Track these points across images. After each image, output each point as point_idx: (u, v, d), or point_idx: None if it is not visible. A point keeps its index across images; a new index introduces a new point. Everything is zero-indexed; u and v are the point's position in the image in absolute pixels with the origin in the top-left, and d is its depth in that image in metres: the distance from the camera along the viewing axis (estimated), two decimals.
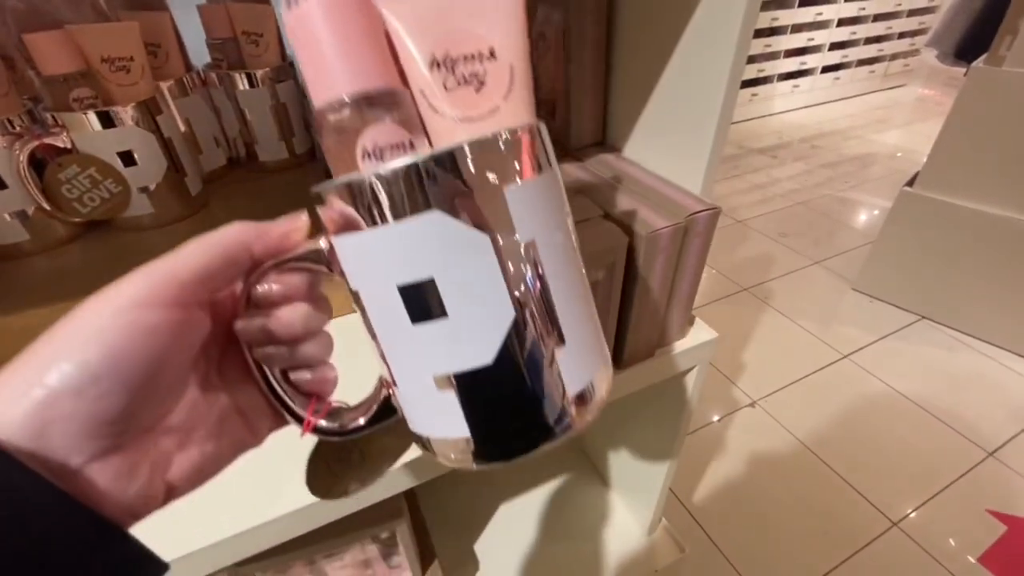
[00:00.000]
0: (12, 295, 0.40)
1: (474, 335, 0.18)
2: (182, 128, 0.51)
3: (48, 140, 0.41)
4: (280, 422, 0.22)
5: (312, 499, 0.33)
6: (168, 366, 0.17)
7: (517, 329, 0.18)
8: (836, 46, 2.75)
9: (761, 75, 2.60)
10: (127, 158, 0.44)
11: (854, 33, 2.73)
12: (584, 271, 0.21)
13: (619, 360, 0.42)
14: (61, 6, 0.42)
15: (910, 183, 1.34)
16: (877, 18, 2.75)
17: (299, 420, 0.21)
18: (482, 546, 0.68)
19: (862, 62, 2.89)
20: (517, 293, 0.18)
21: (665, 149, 0.43)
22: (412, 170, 0.16)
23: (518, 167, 0.17)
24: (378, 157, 0.19)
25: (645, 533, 0.69)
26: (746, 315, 1.43)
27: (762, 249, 1.75)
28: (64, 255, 0.45)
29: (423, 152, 0.16)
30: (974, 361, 1.30)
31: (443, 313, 0.17)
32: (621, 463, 0.70)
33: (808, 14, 2.51)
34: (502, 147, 0.17)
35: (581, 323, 0.20)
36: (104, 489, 0.16)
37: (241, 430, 0.21)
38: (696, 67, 0.37)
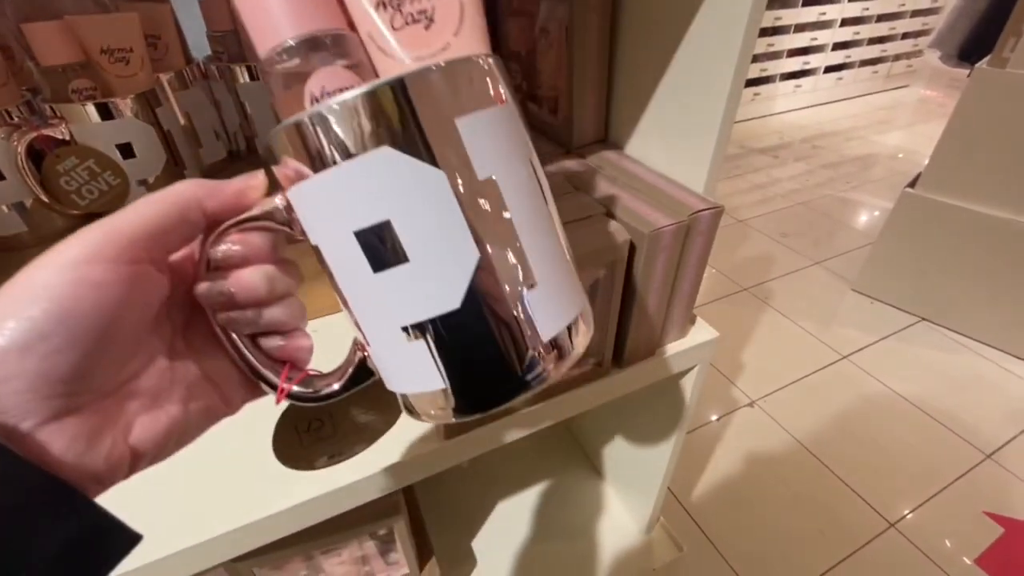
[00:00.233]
0: None
1: (438, 279, 0.17)
2: (182, 121, 0.50)
3: (46, 131, 0.40)
4: (255, 391, 0.22)
5: (310, 495, 0.33)
6: (121, 324, 0.17)
7: (483, 270, 0.17)
8: (839, 46, 2.74)
9: (763, 74, 2.59)
10: (126, 150, 0.44)
11: (857, 33, 2.72)
12: (555, 213, 0.20)
13: (620, 359, 0.42)
14: None
15: (912, 184, 1.34)
16: (881, 18, 2.74)
17: (272, 387, 0.21)
18: (480, 543, 0.68)
19: (865, 62, 2.89)
20: (480, 233, 0.17)
21: (668, 147, 0.42)
22: (355, 103, 0.15)
23: (470, 98, 0.17)
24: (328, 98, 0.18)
25: (643, 531, 0.69)
26: (746, 315, 1.43)
27: (762, 249, 1.75)
28: None
29: (365, 85, 0.15)
30: (973, 363, 1.30)
31: (404, 258, 0.16)
32: (620, 461, 0.70)
33: (811, 13, 2.51)
34: (450, 77, 0.16)
35: (553, 264, 0.19)
36: (61, 453, 0.15)
37: (212, 398, 0.21)
38: (701, 65, 0.36)
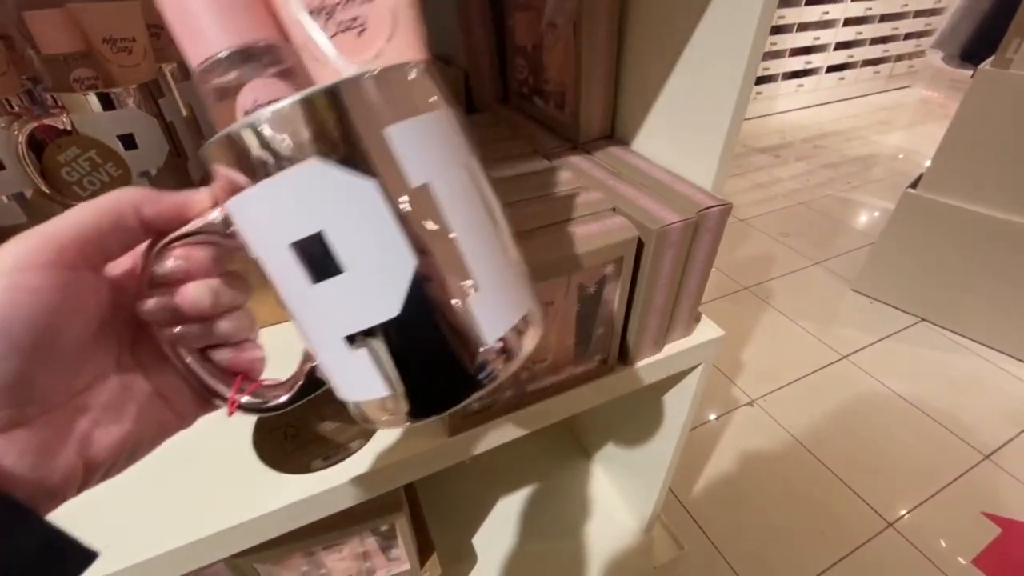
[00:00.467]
0: None
1: (376, 288, 0.17)
2: (184, 112, 0.50)
3: (48, 121, 0.40)
4: (208, 405, 0.21)
5: (312, 492, 0.33)
6: (61, 332, 0.16)
7: (422, 277, 0.17)
8: (842, 46, 2.73)
9: (765, 73, 2.59)
10: (128, 141, 0.43)
11: (860, 33, 2.72)
12: (500, 213, 0.20)
13: (625, 356, 0.42)
14: None
15: (913, 185, 1.34)
16: (884, 18, 2.74)
17: (223, 400, 0.21)
18: (481, 540, 0.68)
19: (867, 62, 2.88)
20: (417, 240, 0.17)
21: (675, 144, 0.42)
22: (280, 116, 0.15)
23: (399, 107, 0.17)
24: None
25: (644, 530, 0.69)
26: (746, 314, 1.43)
27: (763, 248, 1.75)
28: None
29: (291, 96, 0.15)
30: (973, 364, 1.30)
31: (341, 268, 0.16)
32: (621, 459, 0.70)
33: (815, 13, 2.50)
34: (377, 85, 0.16)
35: (496, 267, 0.19)
36: (11, 467, 0.15)
37: (164, 413, 0.20)
38: (711, 61, 0.36)
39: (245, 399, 0.21)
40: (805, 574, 0.90)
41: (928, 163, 1.26)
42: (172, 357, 0.20)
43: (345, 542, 0.48)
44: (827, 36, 2.64)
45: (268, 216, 0.17)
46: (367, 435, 0.35)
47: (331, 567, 0.50)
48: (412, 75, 0.17)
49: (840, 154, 2.42)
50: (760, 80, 2.61)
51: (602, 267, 0.35)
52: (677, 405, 0.52)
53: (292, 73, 0.19)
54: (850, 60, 2.80)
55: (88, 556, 0.16)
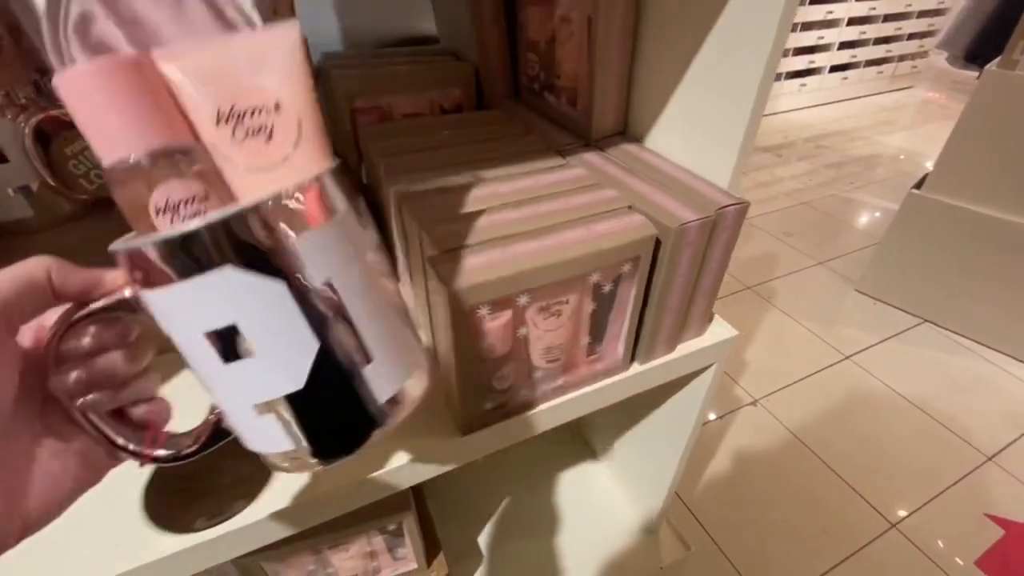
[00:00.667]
0: None
1: (283, 368, 0.19)
2: None
3: (55, 113, 0.39)
4: (117, 459, 0.22)
5: (318, 494, 0.33)
6: None
7: (323, 356, 0.19)
8: (845, 45, 2.73)
9: None
10: None
11: (864, 33, 2.71)
12: (393, 287, 0.23)
13: (639, 355, 0.41)
14: None
15: (918, 185, 1.33)
16: (887, 18, 2.73)
17: (135, 455, 0.21)
18: (487, 539, 0.67)
19: (870, 62, 2.88)
20: (319, 327, 0.19)
21: (691, 141, 0.41)
22: (199, 235, 0.17)
23: (305, 218, 0.18)
24: (172, 211, 0.19)
25: (651, 530, 0.68)
26: (749, 313, 1.43)
27: (766, 248, 1.75)
28: (70, 232, 0.43)
29: (209, 216, 0.17)
30: (976, 366, 1.30)
31: (252, 353, 0.19)
32: (628, 459, 0.69)
33: (819, 12, 2.49)
34: (284, 204, 0.18)
35: (388, 340, 0.22)
36: None
37: (79, 470, 0.21)
38: (730, 57, 0.36)
39: (160, 452, 0.22)
40: (808, 575, 0.90)
41: (929, 164, 1.26)
42: (82, 422, 0.20)
43: (352, 541, 0.48)
44: (831, 35, 2.63)
45: (186, 310, 0.18)
46: (256, 489, 0.33)
47: (338, 566, 0.50)
48: (316, 189, 0.19)
49: (842, 154, 2.41)
50: None
51: (619, 265, 0.34)
52: (687, 405, 0.52)
53: (204, 173, 0.20)
54: (853, 60, 2.80)
55: None
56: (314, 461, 0.21)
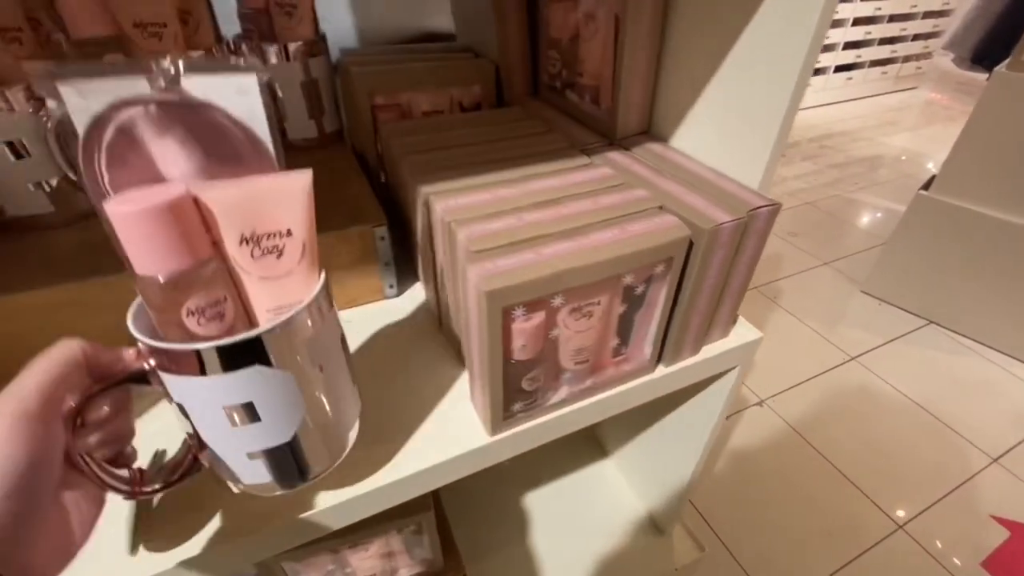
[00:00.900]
0: (38, 270, 0.38)
1: (279, 428, 0.26)
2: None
3: None
4: (103, 500, 0.24)
5: (344, 497, 0.32)
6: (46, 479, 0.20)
7: (309, 417, 0.27)
8: (850, 45, 2.72)
9: None
10: None
11: (869, 33, 2.71)
12: (350, 358, 0.30)
13: (665, 357, 0.41)
14: None
15: (925, 187, 1.33)
16: (892, 19, 2.73)
17: (126, 493, 0.25)
18: (501, 539, 0.67)
19: (875, 63, 2.88)
20: (306, 398, 0.26)
21: (719, 141, 0.41)
22: (238, 346, 0.22)
23: (309, 327, 0.25)
24: (200, 313, 0.23)
25: (664, 531, 0.68)
26: (754, 313, 1.43)
27: (770, 248, 1.75)
28: (90, 229, 0.43)
29: (247, 333, 0.22)
30: (981, 368, 1.30)
31: (258, 419, 0.25)
32: (642, 459, 0.69)
33: None
34: (297, 322, 0.24)
35: (346, 403, 0.30)
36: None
37: (91, 510, 0.23)
38: (764, 57, 0.35)
39: (145, 488, 0.26)
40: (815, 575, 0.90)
41: (931, 165, 1.26)
42: (90, 472, 0.23)
43: (372, 541, 0.48)
44: (836, 35, 2.63)
45: (212, 393, 0.23)
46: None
47: (356, 566, 0.50)
48: (316, 309, 0.25)
49: (846, 154, 2.41)
50: None
51: (652, 266, 0.34)
52: (707, 407, 0.52)
53: (226, 278, 0.24)
54: (858, 60, 2.79)
55: None
56: (280, 490, 0.28)
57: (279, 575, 0.45)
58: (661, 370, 0.41)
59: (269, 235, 0.24)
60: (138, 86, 0.21)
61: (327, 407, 0.28)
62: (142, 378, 0.23)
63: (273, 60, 0.51)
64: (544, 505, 0.72)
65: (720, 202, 0.36)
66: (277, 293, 0.25)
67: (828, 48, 2.67)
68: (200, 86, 0.22)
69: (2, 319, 0.35)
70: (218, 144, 0.23)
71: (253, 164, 0.24)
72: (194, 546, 0.30)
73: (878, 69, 2.92)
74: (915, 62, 3.05)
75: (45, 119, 0.38)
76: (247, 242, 0.23)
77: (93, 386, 0.22)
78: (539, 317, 0.32)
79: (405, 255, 0.51)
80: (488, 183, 0.38)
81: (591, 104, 0.49)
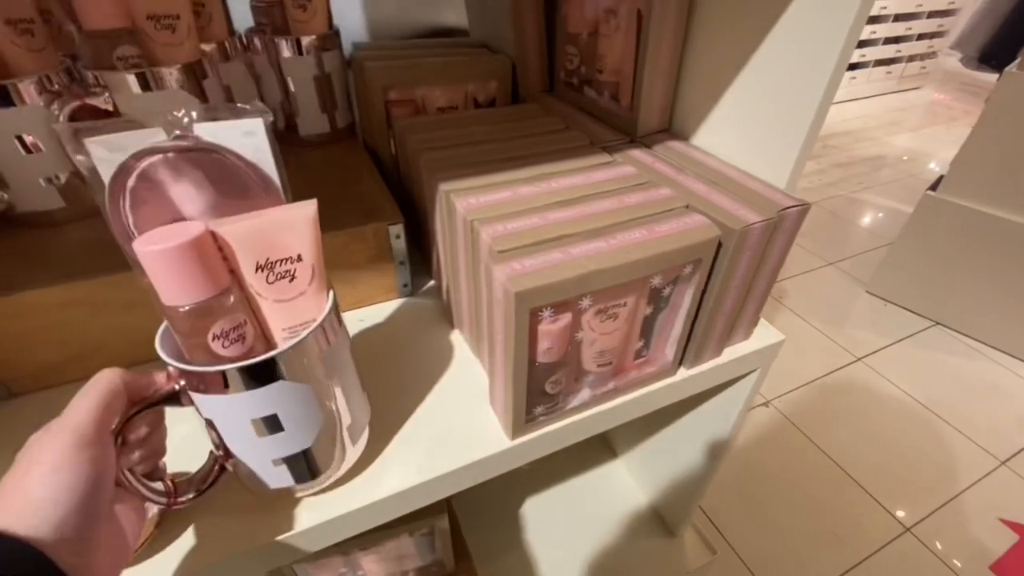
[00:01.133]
0: (49, 266, 0.37)
1: (301, 436, 0.28)
2: (222, 95, 0.48)
3: (91, 102, 0.38)
4: (145, 511, 0.26)
5: (376, 498, 0.32)
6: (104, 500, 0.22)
7: (325, 424, 0.29)
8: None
9: None
10: None
11: (873, 32, 2.70)
12: (358, 370, 0.33)
13: (686, 360, 0.40)
14: None
15: (933, 187, 1.33)
16: (898, 18, 2.72)
17: (163, 503, 0.27)
18: (511, 541, 0.67)
19: (880, 62, 2.86)
20: (324, 407, 0.29)
21: (745, 140, 0.40)
22: (267, 363, 0.25)
23: (326, 343, 0.28)
24: (224, 336, 0.25)
25: (676, 534, 0.68)
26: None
27: None
28: (101, 225, 0.42)
29: (271, 352, 0.25)
30: (988, 369, 1.30)
31: (281, 429, 0.27)
32: (655, 462, 0.68)
33: None
34: (315, 339, 0.27)
35: (358, 408, 0.32)
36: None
37: (138, 521, 0.25)
38: (795, 55, 0.34)
39: (180, 498, 0.28)
40: None
41: (934, 165, 1.25)
42: (130, 488, 0.25)
43: (384, 544, 0.47)
44: None
45: (241, 408, 0.26)
46: None
47: (367, 569, 0.49)
48: (330, 328, 0.28)
49: (850, 154, 2.40)
50: None
51: (681, 267, 0.33)
52: (724, 410, 0.51)
53: (243, 302, 0.26)
54: (863, 59, 2.78)
55: None
56: (302, 491, 0.31)
57: None
58: (683, 372, 0.40)
59: (281, 261, 0.26)
60: (156, 136, 0.23)
61: (342, 412, 0.30)
62: (174, 398, 0.25)
63: (286, 54, 0.50)
64: (553, 506, 0.71)
65: (748, 202, 0.35)
66: (291, 314, 0.27)
67: None
68: (211, 131, 0.24)
69: (14, 317, 0.34)
70: (230, 181, 0.25)
71: (262, 197, 0.26)
72: (212, 554, 0.29)
73: (883, 68, 2.91)
74: (919, 62, 3.04)
75: (57, 113, 0.37)
76: (262, 269, 0.26)
77: (131, 409, 0.24)
78: (566, 319, 0.31)
79: (418, 253, 0.50)
80: (508, 181, 0.37)
81: (611, 101, 0.48)
